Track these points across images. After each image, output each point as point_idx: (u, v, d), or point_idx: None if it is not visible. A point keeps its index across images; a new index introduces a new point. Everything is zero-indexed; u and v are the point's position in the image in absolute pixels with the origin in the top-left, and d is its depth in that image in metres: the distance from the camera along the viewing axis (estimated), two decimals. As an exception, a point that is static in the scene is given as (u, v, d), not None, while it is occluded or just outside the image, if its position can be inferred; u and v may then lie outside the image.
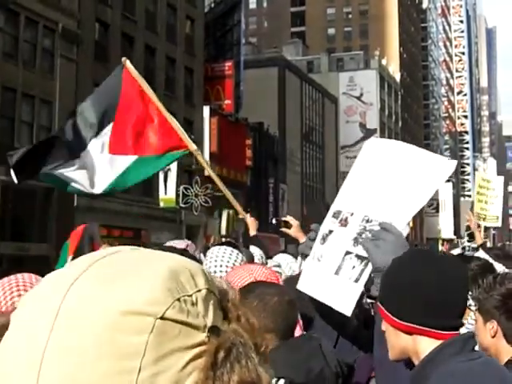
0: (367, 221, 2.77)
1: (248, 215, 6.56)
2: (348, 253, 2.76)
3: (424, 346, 2.14)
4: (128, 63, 6.24)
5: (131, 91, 6.19)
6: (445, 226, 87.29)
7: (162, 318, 0.82)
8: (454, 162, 2.95)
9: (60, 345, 0.79)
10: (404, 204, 2.71)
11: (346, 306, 2.64)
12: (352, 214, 2.87)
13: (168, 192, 35.69)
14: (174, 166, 32.03)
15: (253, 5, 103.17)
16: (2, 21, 32.73)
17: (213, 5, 55.92)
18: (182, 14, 48.70)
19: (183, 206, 36.67)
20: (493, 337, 3.07)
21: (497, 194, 11.30)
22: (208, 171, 6.46)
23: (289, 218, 5.88)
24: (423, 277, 2.15)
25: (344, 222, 2.88)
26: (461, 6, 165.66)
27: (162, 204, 36.76)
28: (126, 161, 6.10)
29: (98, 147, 6.12)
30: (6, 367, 0.80)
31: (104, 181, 6.10)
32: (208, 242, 24.49)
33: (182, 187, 36.20)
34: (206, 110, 49.65)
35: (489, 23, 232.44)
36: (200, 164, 6.43)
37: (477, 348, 2.29)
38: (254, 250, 5.80)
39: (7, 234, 31.95)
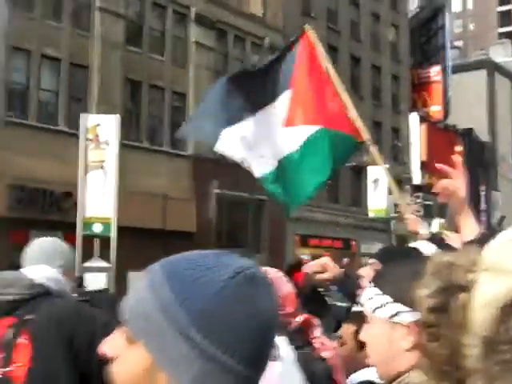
0: None
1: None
2: None
3: None
4: (310, 30, 5.58)
5: (309, 61, 5.44)
6: None
7: None
8: None
9: None
10: None
11: None
12: None
13: (378, 202, 35.52)
14: (382, 176, 31.74)
15: (457, 7, 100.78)
16: (213, 40, 34.03)
17: (417, 10, 55.18)
18: (386, 21, 48.48)
19: (393, 215, 36.23)
20: None
21: None
22: (381, 166, 5.68)
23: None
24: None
25: None
26: None
27: (371, 214, 36.61)
28: (305, 131, 5.24)
29: (273, 116, 5.36)
30: None
31: (269, 158, 5.35)
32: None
33: (391, 197, 35.91)
34: (414, 117, 48.92)
35: None
36: (371, 157, 5.49)
37: None
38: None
39: (223, 245, 33.06)
